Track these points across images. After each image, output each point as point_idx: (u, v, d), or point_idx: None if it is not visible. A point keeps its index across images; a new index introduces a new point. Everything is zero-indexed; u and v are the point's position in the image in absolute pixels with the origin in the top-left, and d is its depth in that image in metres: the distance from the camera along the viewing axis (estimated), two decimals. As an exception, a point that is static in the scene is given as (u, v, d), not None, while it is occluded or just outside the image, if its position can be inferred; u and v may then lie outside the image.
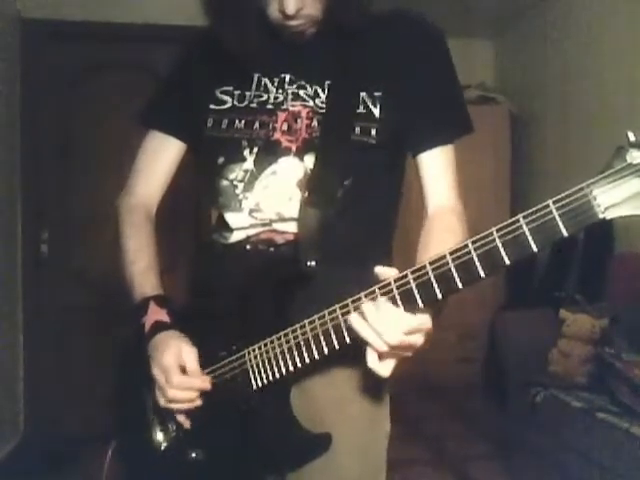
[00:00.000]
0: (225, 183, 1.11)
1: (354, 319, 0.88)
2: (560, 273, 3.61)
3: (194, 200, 3.09)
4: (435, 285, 0.83)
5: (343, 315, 0.91)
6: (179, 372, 1.02)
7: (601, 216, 0.73)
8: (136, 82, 3.26)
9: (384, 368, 0.89)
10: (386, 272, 0.89)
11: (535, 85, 4.41)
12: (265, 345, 1.00)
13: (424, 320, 0.88)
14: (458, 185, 1.13)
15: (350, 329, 0.90)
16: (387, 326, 0.85)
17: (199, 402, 1.04)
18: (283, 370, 0.99)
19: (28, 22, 3.33)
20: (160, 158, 1.23)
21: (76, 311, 3.44)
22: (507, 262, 0.78)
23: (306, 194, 1.05)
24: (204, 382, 1.03)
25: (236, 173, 1.10)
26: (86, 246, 3.39)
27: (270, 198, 1.07)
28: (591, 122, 3.67)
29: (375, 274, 0.89)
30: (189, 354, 1.03)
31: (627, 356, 2.37)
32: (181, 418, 1.06)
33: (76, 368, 3.40)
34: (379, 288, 0.88)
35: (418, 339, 0.88)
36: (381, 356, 0.89)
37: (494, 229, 0.79)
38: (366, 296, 0.89)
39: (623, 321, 2.59)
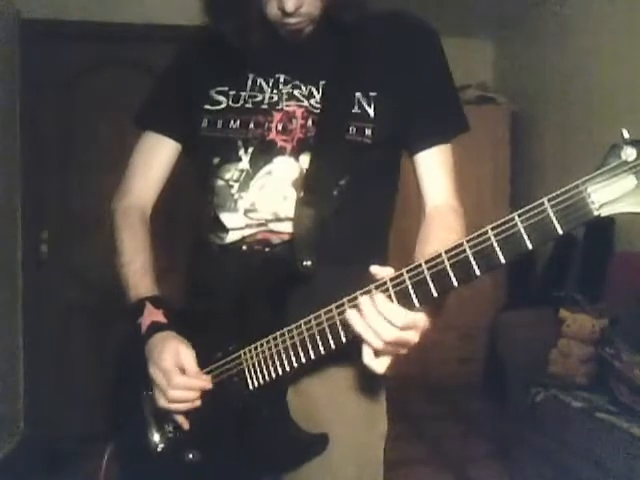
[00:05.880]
0: (220, 183, 1.11)
1: (350, 314, 0.88)
2: (560, 273, 3.61)
3: (193, 200, 3.09)
4: (431, 284, 0.83)
5: (339, 315, 0.91)
6: (179, 373, 1.02)
7: (596, 213, 0.73)
8: (136, 82, 3.25)
9: (379, 365, 0.89)
10: (382, 271, 0.88)
11: (535, 85, 4.41)
12: (261, 345, 1.00)
13: (419, 317, 0.88)
14: (455, 184, 1.13)
15: (346, 325, 0.89)
16: (383, 322, 0.85)
17: (199, 402, 1.04)
18: (279, 370, 0.99)
19: (28, 22, 3.32)
20: (155, 159, 1.23)
21: (76, 311, 3.45)
22: (502, 261, 0.78)
23: (301, 194, 1.04)
24: (205, 381, 1.03)
25: (231, 173, 1.10)
26: (86, 246, 3.38)
27: (265, 198, 1.07)
28: (591, 122, 3.66)
29: (371, 274, 0.89)
30: (187, 355, 1.03)
31: (627, 356, 2.36)
32: (180, 419, 1.06)
33: (76, 368, 3.40)
34: (375, 287, 0.88)
35: (413, 336, 0.88)
36: (376, 352, 0.88)
37: (489, 227, 0.79)
38: (362, 295, 0.89)
39: (623, 321, 2.59)
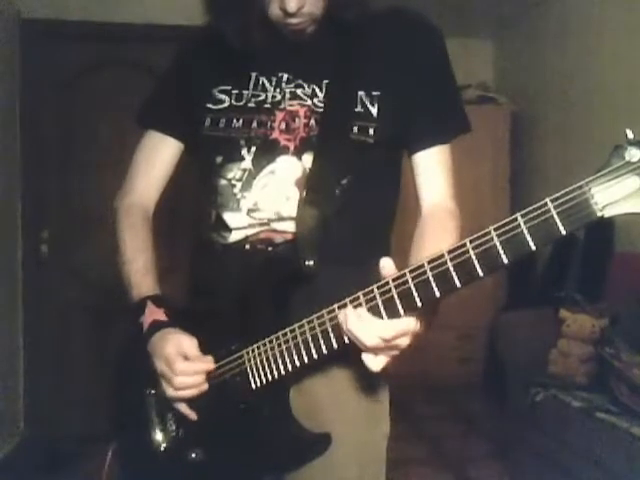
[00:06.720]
0: (223, 182, 1.11)
1: (340, 317, 0.89)
2: (560, 273, 3.61)
3: (195, 199, 3.09)
4: (434, 284, 0.83)
5: (341, 315, 0.91)
6: (182, 359, 1.03)
7: (599, 214, 0.72)
8: (136, 82, 3.25)
9: (376, 363, 0.89)
10: (389, 264, 0.88)
11: (535, 85, 4.41)
12: (264, 345, 1.00)
13: (405, 324, 0.87)
14: (453, 184, 1.13)
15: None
16: (363, 331, 0.86)
17: (206, 386, 1.04)
18: (282, 370, 0.99)
19: (28, 22, 3.32)
20: (157, 158, 1.23)
21: (76, 311, 3.44)
22: (505, 261, 0.78)
23: (304, 193, 1.04)
24: (207, 363, 1.04)
25: (234, 172, 1.09)
26: (86, 246, 3.38)
27: (268, 197, 1.07)
28: (591, 122, 3.66)
29: (376, 269, 0.88)
30: (188, 343, 1.04)
31: (627, 356, 2.36)
32: (186, 410, 1.06)
33: (76, 368, 3.40)
34: (377, 287, 0.88)
35: (403, 341, 0.88)
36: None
37: (492, 228, 0.79)
38: (364, 295, 0.89)
39: (623, 321, 2.59)
